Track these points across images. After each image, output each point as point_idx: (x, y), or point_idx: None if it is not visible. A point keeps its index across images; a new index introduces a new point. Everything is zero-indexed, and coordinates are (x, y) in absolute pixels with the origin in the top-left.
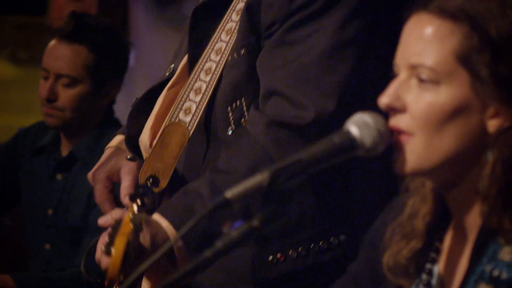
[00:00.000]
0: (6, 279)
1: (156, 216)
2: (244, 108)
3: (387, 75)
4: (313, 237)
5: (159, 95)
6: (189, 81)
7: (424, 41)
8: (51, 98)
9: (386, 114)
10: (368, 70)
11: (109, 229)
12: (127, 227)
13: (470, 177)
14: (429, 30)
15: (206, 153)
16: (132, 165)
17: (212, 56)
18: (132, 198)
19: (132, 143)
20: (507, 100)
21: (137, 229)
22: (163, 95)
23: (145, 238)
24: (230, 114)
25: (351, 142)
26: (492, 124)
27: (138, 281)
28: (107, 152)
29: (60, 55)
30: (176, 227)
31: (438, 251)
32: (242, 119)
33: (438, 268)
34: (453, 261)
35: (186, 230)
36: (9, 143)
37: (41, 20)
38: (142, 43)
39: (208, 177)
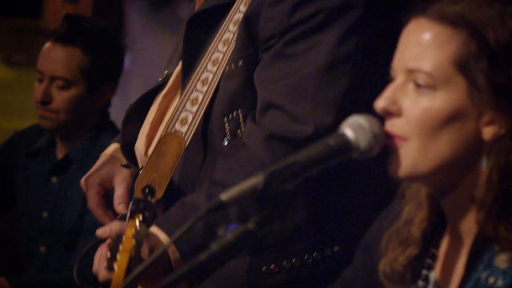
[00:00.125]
0: (2, 281)
1: (154, 229)
2: (241, 119)
3: (386, 84)
4: (307, 249)
5: (153, 100)
6: (185, 91)
7: (422, 46)
8: (46, 101)
9: (382, 117)
10: (367, 82)
11: (108, 242)
12: (129, 242)
13: (465, 184)
14: (428, 35)
15: (202, 164)
16: (126, 173)
17: (209, 67)
18: (133, 213)
19: (127, 150)
20: (503, 107)
21: (139, 246)
22: (157, 102)
23: (143, 251)
24: (227, 124)
25: (346, 145)
26: (488, 131)
27: None
28: (101, 159)
29: (54, 57)
30: (174, 240)
31: (434, 258)
32: (238, 130)
33: (434, 275)
34: (449, 268)
35: (182, 232)
36: (4, 146)
37: (36, 23)
38: (137, 46)
39: (205, 190)
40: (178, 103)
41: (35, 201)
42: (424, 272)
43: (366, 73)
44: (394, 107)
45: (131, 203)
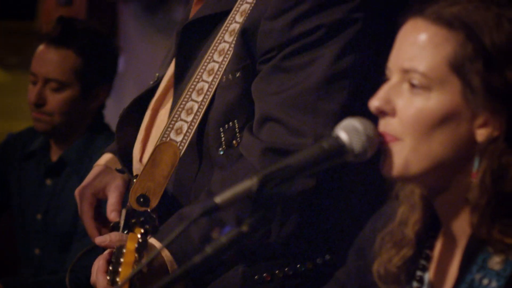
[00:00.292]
0: None
1: (153, 241)
2: (237, 130)
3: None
4: (300, 258)
5: (147, 103)
6: (180, 100)
7: (418, 47)
8: (39, 103)
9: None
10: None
11: (107, 253)
12: (130, 256)
13: (458, 185)
14: (424, 36)
15: (197, 173)
16: (119, 182)
17: (204, 76)
18: (133, 226)
19: (122, 155)
20: (497, 110)
21: (142, 260)
22: (151, 107)
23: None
24: (222, 134)
25: (340, 147)
26: (481, 133)
27: None
28: (95, 170)
29: (48, 59)
30: (172, 252)
31: (428, 259)
32: (234, 141)
33: (428, 276)
34: (443, 269)
35: (176, 235)
36: None
37: (30, 25)
38: (131, 48)
39: (203, 202)
40: (173, 112)
41: (29, 203)
42: (419, 273)
43: (364, 85)
44: (388, 107)
45: (123, 211)
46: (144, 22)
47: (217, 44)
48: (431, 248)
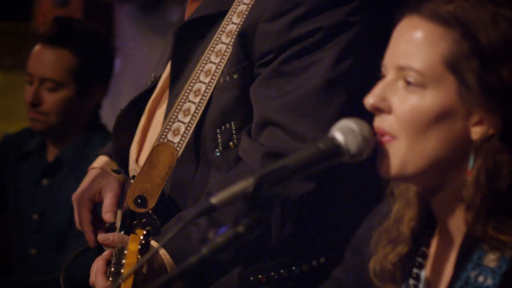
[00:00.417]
0: None
1: (154, 243)
2: (233, 131)
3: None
4: (295, 260)
5: (143, 104)
6: (177, 101)
7: (414, 44)
8: (36, 103)
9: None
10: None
11: (106, 254)
12: (133, 257)
13: (454, 183)
14: (419, 33)
15: (194, 174)
16: (114, 183)
17: (201, 78)
18: (135, 227)
19: (119, 155)
20: (492, 108)
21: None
22: (147, 108)
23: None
24: (219, 136)
25: (336, 148)
26: (476, 131)
27: None
28: (90, 174)
29: (44, 59)
30: (172, 254)
31: (424, 256)
32: (231, 142)
33: (425, 273)
34: (439, 267)
35: (172, 235)
36: None
37: (26, 26)
38: (128, 49)
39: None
40: (170, 113)
41: (25, 203)
42: (415, 270)
43: (363, 85)
44: (384, 104)
45: (119, 212)
46: (140, 23)
47: (214, 45)
48: (428, 245)
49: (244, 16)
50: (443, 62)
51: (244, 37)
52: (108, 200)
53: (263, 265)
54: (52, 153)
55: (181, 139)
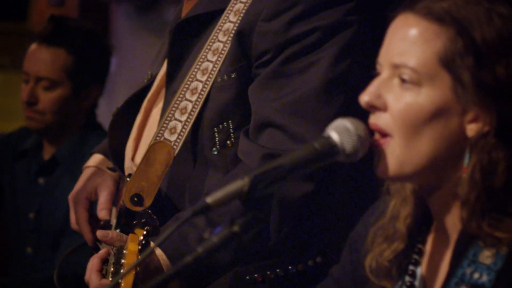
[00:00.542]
0: None
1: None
2: (231, 130)
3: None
4: (291, 259)
5: (140, 102)
6: (174, 100)
7: (408, 42)
8: (31, 101)
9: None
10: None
11: (103, 252)
12: (133, 257)
13: (450, 180)
14: (414, 31)
15: (191, 173)
16: (110, 182)
17: (198, 76)
18: (134, 227)
19: (115, 153)
20: (487, 105)
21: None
22: (143, 107)
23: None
24: (216, 135)
25: (331, 148)
26: (471, 128)
27: None
28: (86, 173)
29: (39, 58)
30: (169, 255)
31: (420, 253)
32: (228, 141)
33: (421, 270)
34: (435, 264)
35: (166, 236)
36: None
37: (22, 26)
38: (124, 49)
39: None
40: (167, 111)
41: (22, 202)
42: (411, 267)
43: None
44: (379, 102)
45: (114, 209)
46: (136, 23)
47: (211, 44)
48: (423, 242)
49: (241, 14)
50: (438, 59)
51: (241, 36)
52: (103, 198)
53: (260, 264)
54: (48, 152)
55: (177, 138)
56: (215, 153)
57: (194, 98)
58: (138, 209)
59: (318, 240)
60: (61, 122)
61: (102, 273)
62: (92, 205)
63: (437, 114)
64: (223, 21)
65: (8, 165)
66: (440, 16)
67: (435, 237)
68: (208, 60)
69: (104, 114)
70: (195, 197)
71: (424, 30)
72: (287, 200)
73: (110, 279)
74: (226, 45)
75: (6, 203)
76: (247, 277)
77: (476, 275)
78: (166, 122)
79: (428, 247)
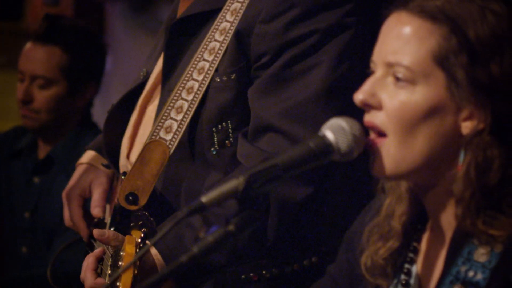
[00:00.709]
0: None
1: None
2: (230, 130)
3: None
4: (286, 259)
5: (135, 99)
6: (170, 99)
7: (402, 40)
8: (27, 100)
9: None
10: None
11: (97, 251)
12: (130, 260)
13: (445, 178)
14: (408, 29)
15: (187, 172)
16: (102, 178)
17: (195, 75)
18: (131, 229)
19: (109, 150)
20: (481, 103)
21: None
22: (139, 104)
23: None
24: (215, 135)
25: (326, 147)
26: (466, 126)
27: None
28: (79, 169)
29: (34, 57)
30: (164, 256)
31: (416, 251)
32: (227, 141)
33: (416, 268)
34: (430, 262)
35: (162, 235)
36: None
37: (17, 25)
38: (119, 48)
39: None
40: (162, 110)
41: (17, 201)
42: (406, 265)
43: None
44: (373, 100)
45: (108, 207)
46: (131, 22)
47: (207, 43)
48: (419, 241)
49: (239, 14)
50: (432, 57)
51: (240, 37)
52: (96, 195)
53: (255, 264)
54: (43, 151)
55: (173, 137)
56: (214, 153)
57: (190, 98)
58: (133, 208)
59: (314, 240)
60: (57, 120)
61: (97, 272)
62: (85, 202)
63: (431, 112)
64: (220, 20)
65: (3, 165)
66: (434, 14)
67: (430, 235)
68: (204, 60)
69: (99, 113)
70: (191, 196)
71: (418, 28)
72: (286, 204)
73: (108, 280)
74: (223, 44)
75: (1, 202)
76: (243, 276)
77: (470, 273)
78: (162, 121)
79: (423, 245)
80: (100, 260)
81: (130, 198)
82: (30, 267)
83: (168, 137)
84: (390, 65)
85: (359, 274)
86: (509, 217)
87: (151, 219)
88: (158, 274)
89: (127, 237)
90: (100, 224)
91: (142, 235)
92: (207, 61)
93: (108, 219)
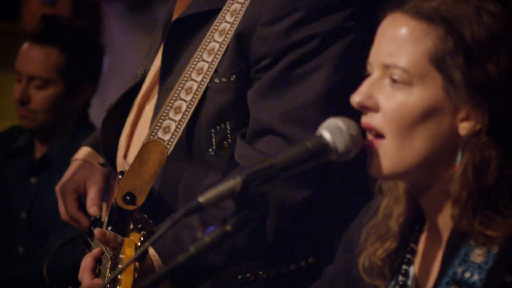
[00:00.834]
0: None
1: (151, 250)
2: (228, 131)
3: None
4: (283, 260)
5: (133, 98)
6: (168, 99)
7: (398, 42)
8: (24, 101)
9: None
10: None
11: (96, 251)
12: (130, 264)
13: (442, 179)
14: (404, 30)
15: (185, 172)
16: (98, 176)
17: (193, 76)
18: (130, 231)
19: (106, 149)
20: (478, 103)
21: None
22: (136, 103)
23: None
24: (213, 135)
25: (323, 147)
26: (463, 127)
27: None
28: (74, 165)
29: (31, 57)
30: (162, 257)
31: (413, 253)
32: (225, 142)
33: (413, 269)
34: (427, 263)
35: (159, 236)
36: None
37: (15, 26)
38: (116, 48)
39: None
40: (161, 110)
41: (13, 202)
42: (404, 267)
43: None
44: (370, 102)
45: (104, 205)
46: (128, 22)
47: (206, 43)
48: (416, 242)
49: (239, 15)
50: (428, 59)
51: (240, 39)
52: (92, 194)
53: (252, 264)
54: (40, 151)
55: (171, 137)
56: (212, 153)
57: (188, 98)
58: (131, 207)
59: (310, 240)
60: (54, 121)
61: (95, 272)
62: (80, 197)
63: (429, 113)
64: (219, 21)
65: (0, 165)
66: (429, 15)
67: (428, 236)
68: (203, 60)
69: (97, 113)
70: (189, 197)
71: (414, 29)
72: (285, 206)
73: (108, 286)
74: (222, 45)
75: None
76: (239, 277)
77: (467, 274)
78: (160, 121)
79: (420, 246)
80: (98, 261)
81: (128, 198)
82: (26, 268)
83: (166, 137)
84: (386, 67)
85: (356, 275)
86: (505, 218)
87: (151, 222)
88: (155, 274)
89: (126, 239)
90: (96, 222)
91: (142, 238)
92: (206, 61)
93: (105, 218)
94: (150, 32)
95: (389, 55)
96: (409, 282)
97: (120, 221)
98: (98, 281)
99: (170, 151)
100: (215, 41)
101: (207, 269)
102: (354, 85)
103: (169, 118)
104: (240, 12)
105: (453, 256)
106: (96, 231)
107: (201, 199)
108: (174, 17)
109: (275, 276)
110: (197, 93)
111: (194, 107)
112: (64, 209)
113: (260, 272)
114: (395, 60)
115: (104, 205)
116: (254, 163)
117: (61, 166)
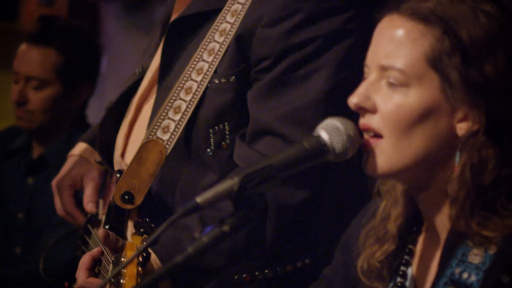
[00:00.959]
0: None
1: (153, 255)
2: (227, 132)
3: None
4: (280, 261)
5: (131, 97)
6: (168, 98)
7: (395, 43)
8: (21, 101)
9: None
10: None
11: (95, 251)
12: (132, 268)
13: (440, 180)
14: (400, 32)
15: (183, 172)
16: (95, 173)
17: (193, 76)
18: (132, 235)
19: (104, 148)
20: (475, 104)
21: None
22: (134, 103)
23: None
24: (212, 136)
25: (321, 147)
26: (461, 127)
27: None
28: (70, 161)
29: (29, 58)
30: (162, 259)
31: (411, 254)
32: (223, 142)
33: (411, 271)
34: (425, 264)
35: (157, 236)
36: None
37: (12, 26)
38: (113, 48)
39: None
40: (160, 110)
41: (10, 202)
42: (402, 268)
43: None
44: (368, 103)
45: (101, 202)
46: (125, 23)
47: (206, 43)
48: (414, 243)
49: (239, 16)
50: (425, 60)
51: (241, 40)
52: (89, 191)
53: (248, 264)
54: (37, 152)
55: (170, 137)
56: (210, 154)
57: (188, 98)
58: (129, 207)
59: (307, 241)
60: (52, 121)
61: (94, 272)
62: (77, 193)
63: (426, 114)
64: (220, 21)
65: None
66: (426, 16)
67: (426, 237)
68: (203, 60)
69: (94, 113)
70: (187, 197)
71: (410, 30)
72: (284, 207)
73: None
74: (223, 46)
75: None
76: (235, 277)
77: (465, 275)
78: (159, 120)
79: (418, 247)
80: (97, 261)
81: (126, 197)
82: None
83: (166, 137)
84: (383, 69)
85: (355, 276)
86: (502, 218)
87: (153, 225)
88: (153, 274)
89: (128, 243)
90: (93, 219)
91: (143, 241)
92: (206, 62)
93: (102, 217)
94: (148, 32)
95: (386, 56)
96: (407, 283)
97: (118, 220)
98: (93, 280)
99: (169, 151)
100: (215, 41)
101: (207, 270)
102: (354, 87)
103: (169, 118)
104: (241, 12)
105: (450, 257)
106: (100, 231)
107: (199, 199)
108: (174, 16)
109: (271, 277)
110: (197, 93)
111: (193, 107)
112: (61, 204)
113: (257, 273)
114: (392, 61)
115: (101, 203)
116: (252, 164)
117: (59, 166)
